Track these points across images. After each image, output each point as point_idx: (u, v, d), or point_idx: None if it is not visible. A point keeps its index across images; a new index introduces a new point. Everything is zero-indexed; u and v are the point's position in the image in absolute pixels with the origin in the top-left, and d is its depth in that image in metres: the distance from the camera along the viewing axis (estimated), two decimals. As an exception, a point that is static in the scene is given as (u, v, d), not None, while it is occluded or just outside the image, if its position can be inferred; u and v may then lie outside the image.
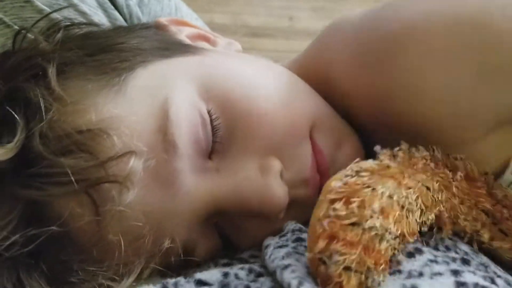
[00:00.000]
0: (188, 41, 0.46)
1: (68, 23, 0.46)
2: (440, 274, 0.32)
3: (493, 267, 0.35)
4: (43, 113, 0.35)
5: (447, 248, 0.36)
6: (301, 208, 0.40)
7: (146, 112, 0.37)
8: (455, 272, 0.32)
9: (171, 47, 0.44)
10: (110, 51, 0.41)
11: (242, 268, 0.35)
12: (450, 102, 0.39)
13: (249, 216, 0.39)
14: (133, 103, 0.37)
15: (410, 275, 0.32)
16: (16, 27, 0.49)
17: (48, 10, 0.50)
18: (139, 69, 0.40)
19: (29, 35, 0.44)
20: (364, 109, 0.43)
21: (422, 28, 0.39)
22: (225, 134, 0.39)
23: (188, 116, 0.37)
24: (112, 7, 0.55)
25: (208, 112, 0.39)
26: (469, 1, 0.39)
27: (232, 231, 0.41)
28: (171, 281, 0.34)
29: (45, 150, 0.34)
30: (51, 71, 0.37)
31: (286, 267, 0.33)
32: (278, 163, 0.40)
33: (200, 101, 0.39)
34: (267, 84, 0.42)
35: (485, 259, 0.36)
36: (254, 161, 0.39)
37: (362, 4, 1.13)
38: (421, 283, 0.31)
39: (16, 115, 0.35)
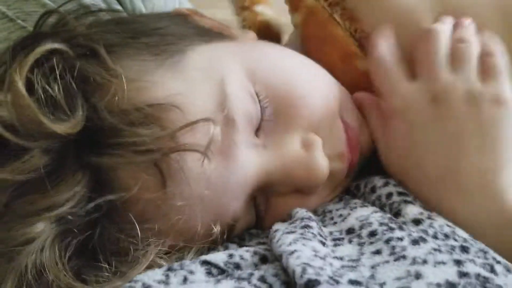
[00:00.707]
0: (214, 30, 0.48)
1: (95, 9, 0.47)
2: (443, 263, 0.32)
3: (492, 253, 0.36)
4: (105, 89, 0.36)
5: (446, 236, 0.37)
6: (331, 184, 0.44)
7: (206, 90, 0.39)
8: (458, 262, 0.32)
9: (207, 33, 0.46)
10: (152, 35, 0.43)
11: (247, 251, 0.36)
12: None
13: (289, 190, 0.43)
14: (192, 82, 0.40)
15: (414, 261, 0.32)
16: (19, 21, 0.49)
17: (51, 4, 0.50)
18: (189, 52, 0.42)
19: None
20: None
21: None
22: (271, 113, 0.42)
23: (242, 94, 0.40)
24: (115, 1, 0.55)
25: (256, 92, 0.41)
26: None
27: (266, 207, 0.44)
28: (176, 262, 0.35)
29: (120, 121, 0.36)
30: (102, 51, 0.38)
31: (292, 253, 0.33)
32: (319, 138, 0.43)
33: (248, 82, 0.41)
34: (301, 68, 0.46)
35: (484, 245, 0.36)
36: (298, 137, 0.42)
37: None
38: (425, 270, 0.32)
39: (75, 91, 0.36)
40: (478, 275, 0.32)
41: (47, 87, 0.36)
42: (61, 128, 0.35)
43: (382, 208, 0.42)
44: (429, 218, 0.39)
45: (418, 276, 0.31)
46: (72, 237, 0.35)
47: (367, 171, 0.47)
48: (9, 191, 0.35)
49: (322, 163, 0.42)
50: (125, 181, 0.36)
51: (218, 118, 0.38)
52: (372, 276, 0.32)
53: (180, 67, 0.40)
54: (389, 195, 0.42)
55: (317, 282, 0.30)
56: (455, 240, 0.36)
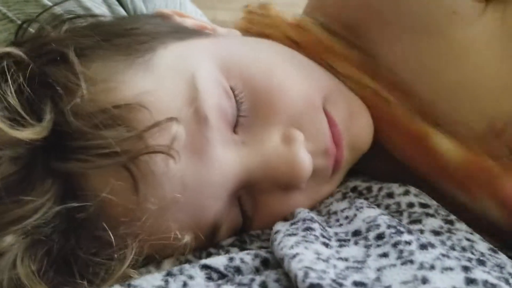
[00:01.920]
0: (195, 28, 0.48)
1: (72, 15, 0.46)
2: (451, 269, 0.31)
3: (509, 268, 0.35)
4: (72, 93, 0.36)
5: (464, 249, 0.36)
6: (317, 181, 0.43)
7: (175, 87, 0.38)
8: (466, 268, 0.32)
9: (183, 31, 0.45)
10: (126, 36, 0.42)
11: (248, 253, 0.35)
12: None
13: (273, 188, 0.41)
14: (162, 80, 0.39)
15: (421, 266, 0.32)
16: (19, 22, 0.49)
17: (50, 5, 0.50)
18: (161, 50, 0.41)
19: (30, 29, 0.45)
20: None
21: None
22: (248, 108, 0.41)
23: (215, 90, 0.39)
24: (117, 2, 0.55)
25: (231, 87, 0.40)
26: None
27: (252, 207, 0.42)
28: (175, 267, 0.34)
29: (85, 124, 0.35)
30: (72, 55, 0.38)
31: (294, 256, 0.33)
32: (301, 133, 0.41)
33: (223, 77, 0.40)
34: (279, 61, 0.44)
35: (502, 260, 0.35)
36: (278, 132, 0.41)
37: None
38: (432, 276, 0.31)
39: (42, 97, 0.36)
40: (486, 282, 0.30)
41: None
42: (23, 134, 0.34)
43: (399, 213, 0.41)
44: (448, 231, 0.38)
45: (425, 281, 0.30)
46: (46, 248, 0.34)
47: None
48: None
49: (304, 158, 0.40)
50: (95, 187, 0.36)
51: (188, 115, 0.37)
52: (378, 279, 0.31)
53: (150, 66, 0.39)
54: (411, 204, 0.41)
55: (319, 286, 0.30)
56: (473, 253, 0.36)
